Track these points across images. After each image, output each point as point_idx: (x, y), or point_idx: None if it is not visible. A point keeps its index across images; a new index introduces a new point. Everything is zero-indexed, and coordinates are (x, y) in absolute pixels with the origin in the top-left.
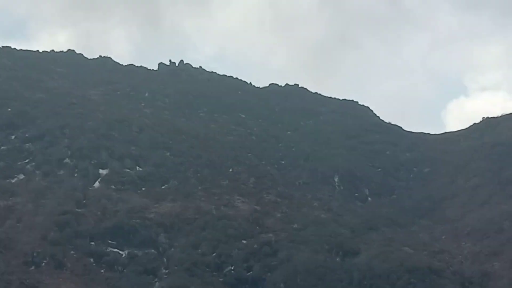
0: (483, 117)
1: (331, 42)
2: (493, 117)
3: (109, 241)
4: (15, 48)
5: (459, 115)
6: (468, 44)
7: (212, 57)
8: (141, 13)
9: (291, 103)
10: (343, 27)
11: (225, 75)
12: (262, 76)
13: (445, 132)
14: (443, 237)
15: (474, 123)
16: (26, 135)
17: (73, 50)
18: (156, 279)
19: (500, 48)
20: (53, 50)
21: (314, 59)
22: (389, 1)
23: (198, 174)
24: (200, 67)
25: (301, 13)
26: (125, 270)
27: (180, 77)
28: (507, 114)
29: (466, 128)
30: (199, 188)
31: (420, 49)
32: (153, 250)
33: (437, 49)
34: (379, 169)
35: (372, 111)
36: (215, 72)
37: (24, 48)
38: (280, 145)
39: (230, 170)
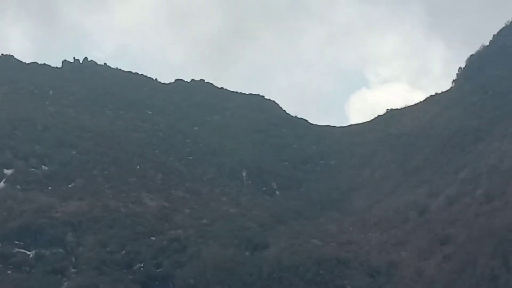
0: (387, 109)
1: (228, 35)
2: (397, 109)
3: (16, 242)
4: None
5: (362, 107)
6: (367, 35)
7: (113, 54)
8: (34, 9)
9: (197, 99)
10: (239, 19)
11: (131, 72)
12: (164, 71)
13: (351, 125)
14: (351, 228)
15: (379, 115)
16: None
17: None
18: (64, 279)
19: (397, 38)
20: None
21: (212, 53)
22: None
23: (105, 172)
24: (105, 64)
25: (196, 6)
26: (32, 271)
27: (84, 74)
28: (410, 106)
29: (371, 120)
30: (106, 186)
31: (318, 41)
32: (61, 250)
33: (335, 41)
34: (287, 163)
35: (278, 105)
36: (120, 69)
37: None
38: (187, 140)
39: (137, 167)
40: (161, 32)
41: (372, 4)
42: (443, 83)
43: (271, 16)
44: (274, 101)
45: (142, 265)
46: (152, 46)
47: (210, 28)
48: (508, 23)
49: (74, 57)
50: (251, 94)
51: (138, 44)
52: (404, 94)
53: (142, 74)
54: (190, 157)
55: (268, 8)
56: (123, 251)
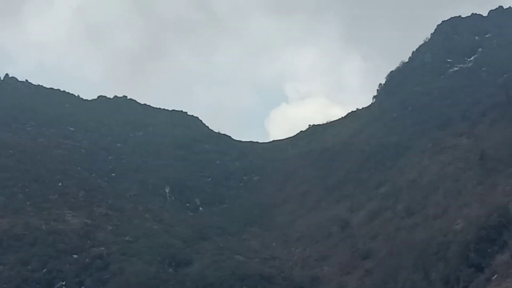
0: (309, 125)
1: (144, 51)
2: (319, 124)
3: None
4: None
5: (282, 123)
6: (284, 50)
7: (32, 71)
8: None
9: (120, 115)
10: (154, 35)
11: (52, 88)
12: (84, 88)
13: (273, 140)
14: (274, 243)
15: (301, 131)
16: None
17: None
18: None
19: (315, 53)
20: None
21: (130, 70)
22: (199, 8)
23: (27, 189)
24: (26, 80)
25: (111, 22)
26: None
27: (5, 91)
28: (331, 121)
29: (293, 136)
30: (28, 203)
31: (234, 56)
32: None
33: (252, 56)
34: (210, 179)
35: (201, 121)
36: (42, 86)
37: None
38: (110, 157)
39: (59, 184)
40: (78, 48)
41: (288, 18)
42: (362, 98)
43: (186, 32)
44: (197, 117)
45: (64, 283)
46: (70, 62)
47: (126, 44)
48: (427, 40)
49: None
50: (174, 110)
51: (56, 60)
52: (323, 109)
53: (64, 91)
54: (113, 174)
55: (183, 24)
56: (45, 269)
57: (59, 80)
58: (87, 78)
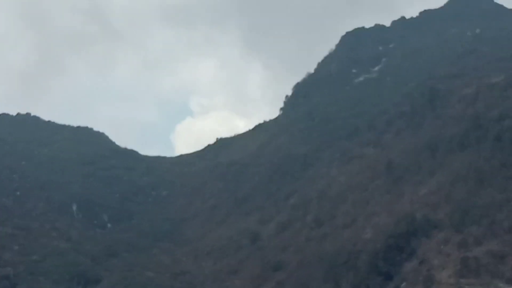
0: (217, 138)
1: (39, 66)
2: (226, 138)
3: None
4: None
5: (188, 137)
6: (185, 62)
7: None
8: None
9: (23, 132)
10: (47, 49)
11: None
12: None
13: (181, 154)
14: (184, 258)
15: (209, 144)
16: None
17: None
18: None
19: (215, 65)
20: None
21: (26, 86)
22: (96, 21)
23: None
24: None
25: (3, 36)
26: None
27: None
28: (239, 134)
29: (201, 150)
30: None
31: (134, 69)
32: None
33: (153, 68)
34: (117, 195)
35: (107, 136)
36: None
37: None
38: (14, 175)
39: None
40: None
41: (187, 29)
42: (266, 110)
43: (82, 46)
44: (102, 133)
45: None
46: None
47: (19, 60)
48: (332, 51)
49: None
50: (79, 126)
51: None
52: (228, 122)
53: None
54: (18, 192)
55: (78, 38)
56: None
57: None
58: None
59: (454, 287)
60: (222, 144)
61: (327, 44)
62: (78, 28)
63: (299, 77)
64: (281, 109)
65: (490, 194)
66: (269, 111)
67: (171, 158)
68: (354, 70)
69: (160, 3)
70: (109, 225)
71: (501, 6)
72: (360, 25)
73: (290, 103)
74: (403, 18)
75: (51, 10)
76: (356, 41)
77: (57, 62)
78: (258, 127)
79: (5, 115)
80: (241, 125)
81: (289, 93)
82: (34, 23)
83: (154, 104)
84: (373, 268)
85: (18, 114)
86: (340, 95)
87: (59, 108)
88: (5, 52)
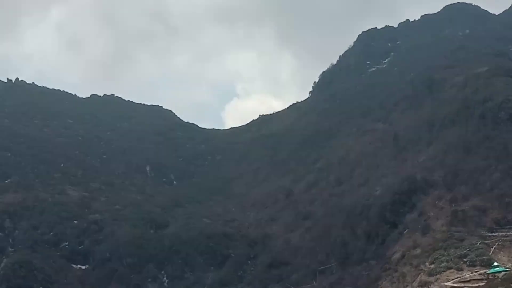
0: (259, 115)
1: (115, 58)
2: (266, 115)
3: None
4: None
5: (235, 114)
6: (230, 55)
7: (32, 76)
8: None
9: (109, 109)
10: (123, 44)
11: (54, 89)
12: (74, 88)
13: (231, 128)
14: (233, 209)
15: (253, 120)
16: None
17: None
18: (4, 257)
19: (255, 56)
20: None
21: (106, 73)
22: (158, 21)
23: (35, 170)
24: (33, 82)
25: (86, 34)
26: None
27: (16, 91)
28: (276, 112)
29: (247, 124)
30: (37, 181)
31: (189, 60)
32: (0, 234)
33: (204, 59)
34: (181, 159)
35: (173, 113)
36: (46, 87)
37: None
38: (101, 143)
39: (62, 165)
40: (64, 57)
41: (231, 26)
42: (297, 93)
43: (147, 40)
44: (170, 110)
45: (67, 243)
46: (61, 68)
47: (100, 53)
48: (351, 47)
49: (7, 78)
50: (152, 105)
51: (50, 67)
52: (267, 103)
53: (63, 91)
54: (104, 156)
55: (143, 33)
56: (51, 233)
57: (57, 82)
58: (76, 80)
59: (446, 233)
60: (262, 119)
61: (347, 40)
62: (145, 27)
63: (323, 67)
64: (310, 92)
65: (475, 161)
66: (299, 93)
67: (223, 130)
68: (368, 62)
69: (208, 5)
70: (175, 182)
71: (487, 12)
72: (373, 26)
73: (317, 88)
74: (407, 20)
75: (124, 12)
76: (370, 39)
77: (129, 54)
78: (292, 106)
79: (94, 96)
80: (277, 105)
81: (316, 80)
82: (110, 23)
83: (207, 88)
84: (381, 218)
85: (104, 95)
86: (357, 82)
87: (135, 90)
88: (90, 47)
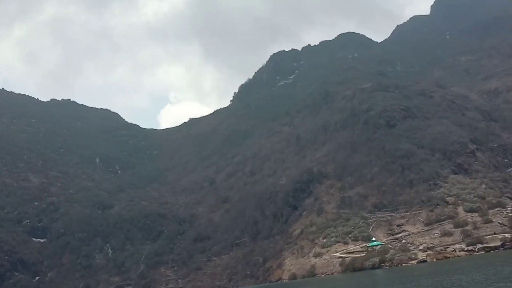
0: (189, 118)
1: (68, 67)
2: (195, 118)
3: None
4: None
5: (168, 118)
6: (163, 67)
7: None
8: None
9: (66, 111)
10: (73, 58)
11: (20, 93)
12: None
13: (166, 128)
14: (166, 194)
15: (184, 122)
16: None
17: None
18: None
19: (183, 68)
20: None
21: (61, 81)
22: (102, 37)
23: (3, 160)
24: (3, 88)
25: (42, 48)
26: None
27: None
28: (204, 116)
29: (179, 125)
30: (4, 169)
31: (130, 71)
32: None
33: (143, 71)
34: (125, 152)
35: (120, 115)
36: (13, 92)
37: None
38: (59, 139)
39: (25, 156)
40: (19, 68)
41: (163, 43)
42: (220, 100)
43: (93, 55)
44: (117, 113)
45: (28, 220)
46: (17, 80)
47: (53, 64)
48: (264, 65)
49: None
50: (101, 108)
51: (13, 76)
52: (195, 108)
53: (28, 95)
54: (61, 150)
55: (90, 49)
56: (16, 212)
57: (20, 89)
58: (34, 88)
59: (335, 214)
60: (192, 122)
61: (261, 59)
62: (92, 43)
63: (241, 80)
64: (231, 100)
65: (359, 157)
66: (220, 100)
67: (159, 130)
68: (277, 77)
69: (144, 25)
70: (119, 172)
71: (371, 40)
72: (282, 49)
73: (237, 97)
74: (309, 45)
75: (74, 30)
76: (279, 59)
77: (79, 66)
78: (216, 112)
79: (53, 100)
80: (203, 110)
81: (236, 90)
82: (63, 39)
83: (146, 95)
84: (285, 202)
85: (62, 99)
86: (268, 93)
87: (87, 95)
88: (45, 59)
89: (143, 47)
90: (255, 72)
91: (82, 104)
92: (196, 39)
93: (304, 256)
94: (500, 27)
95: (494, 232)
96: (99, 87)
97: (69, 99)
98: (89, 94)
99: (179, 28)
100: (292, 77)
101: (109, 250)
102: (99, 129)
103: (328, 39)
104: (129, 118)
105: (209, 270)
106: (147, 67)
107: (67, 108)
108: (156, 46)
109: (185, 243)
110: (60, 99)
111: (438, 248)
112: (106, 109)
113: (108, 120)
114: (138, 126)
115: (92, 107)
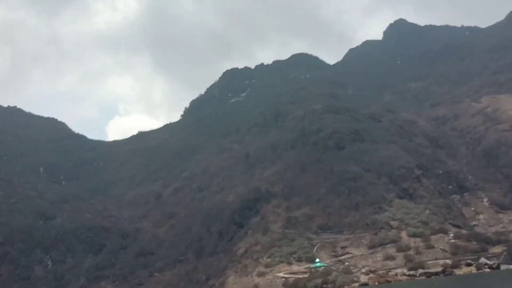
0: (138, 131)
1: (14, 75)
2: (144, 131)
3: None
4: None
5: (117, 130)
6: (112, 78)
7: None
8: None
9: (11, 119)
10: (20, 64)
11: None
12: None
13: (114, 140)
14: (111, 207)
15: (133, 135)
16: None
17: None
18: None
19: (133, 79)
20: None
21: (9, 86)
22: (51, 44)
23: None
24: None
25: None
26: None
27: None
28: (153, 129)
29: (128, 138)
30: None
31: (77, 82)
32: None
33: (92, 81)
34: (71, 163)
35: (67, 125)
36: None
37: None
38: (3, 146)
39: None
40: None
41: (114, 53)
42: (169, 114)
43: (40, 62)
44: (64, 123)
45: None
46: None
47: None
48: (216, 81)
49: None
50: (48, 117)
51: None
52: (144, 121)
53: None
54: (5, 157)
55: (37, 56)
56: None
57: None
58: None
59: (281, 234)
60: (141, 135)
61: (213, 75)
62: (40, 50)
63: (191, 93)
64: (181, 115)
65: (307, 178)
66: (169, 113)
67: (107, 142)
68: (229, 94)
69: (95, 34)
70: (63, 182)
71: (323, 61)
72: (235, 66)
73: (188, 112)
74: (262, 64)
75: (22, 36)
76: (231, 76)
77: (25, 73)
78: (165, 126)
79: None
80: (152, 123)
81: (187, 105)
82: (8, 43)
83: (94, 106)
84: (232, 220)
85: (8, 106)
86: (220, 109)
87: (33, 103)
88: None
89: (93, 56)
90: (207, 88)
91: (29, 112)
92: (147, 50)
93: (248, 275)
94: (450, 55)
95: (436, 257)
96: (47, 95)
97: (15, 106)
98: (36, 102)
99: (131, 39)
100: (244, 94)
101: (49, 262)
102: (45, 138)
103: (281, 59)
104: (76, 128)
105: (150, 286)
106: (96, 77)
107: (12, 115)
108: (107, 55)
109: (128, 258)
110: (6, 106)
111: (381, 271)
112: (53, 118)
113: (54, 129)
114: (85, 136)
115: (38, 116)
